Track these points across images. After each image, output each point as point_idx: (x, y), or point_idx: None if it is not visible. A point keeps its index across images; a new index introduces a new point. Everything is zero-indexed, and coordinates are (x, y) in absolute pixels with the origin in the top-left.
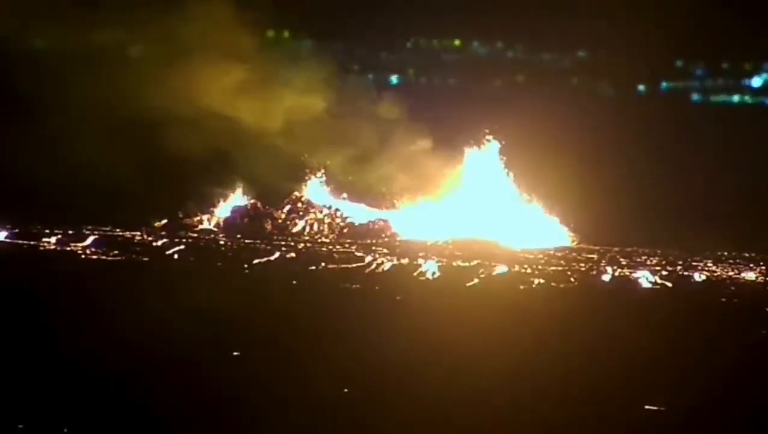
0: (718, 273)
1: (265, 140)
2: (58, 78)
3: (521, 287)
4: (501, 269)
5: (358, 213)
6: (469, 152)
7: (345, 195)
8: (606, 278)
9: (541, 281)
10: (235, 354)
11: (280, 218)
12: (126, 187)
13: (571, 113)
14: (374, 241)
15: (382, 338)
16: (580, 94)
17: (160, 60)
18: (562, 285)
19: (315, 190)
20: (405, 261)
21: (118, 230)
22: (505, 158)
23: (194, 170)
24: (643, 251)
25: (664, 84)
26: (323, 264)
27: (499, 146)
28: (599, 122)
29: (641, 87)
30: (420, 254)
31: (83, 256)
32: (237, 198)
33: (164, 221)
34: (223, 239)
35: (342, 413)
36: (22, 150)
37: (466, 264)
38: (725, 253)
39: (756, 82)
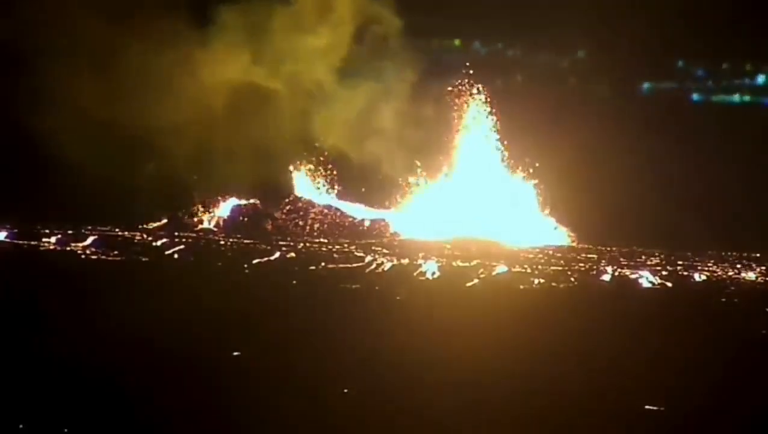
0: (718, 273)
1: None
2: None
3: (521, 287)
4: (501, 269)
5: (357, 213)
6: (469, 152)
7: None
8: (606, 278)
9: (541, 281)
10: (235, 354)
11: (280, 218)
12: (126, 187)
13: (571, 111)
14: (374, 241)
15: (382, 338)
16: (579, 93)
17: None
18: (562, 285)
19: (315, 190)
20: (405, 261)
21: (117, 230)
22: (505, 157)
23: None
24: (643, 251)
25: (664, 83)
26: (323, 264)
27: (499, 145)
28: (599, 121)
29: (642, 86)
30: (420, 254)
31: (83, 256)
32: (237, 198)
33: (164, 221)
34: (223, 239)
35: (342, 413)
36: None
37: (466, 264)
38: (725, 253)
39: (757, 81)
